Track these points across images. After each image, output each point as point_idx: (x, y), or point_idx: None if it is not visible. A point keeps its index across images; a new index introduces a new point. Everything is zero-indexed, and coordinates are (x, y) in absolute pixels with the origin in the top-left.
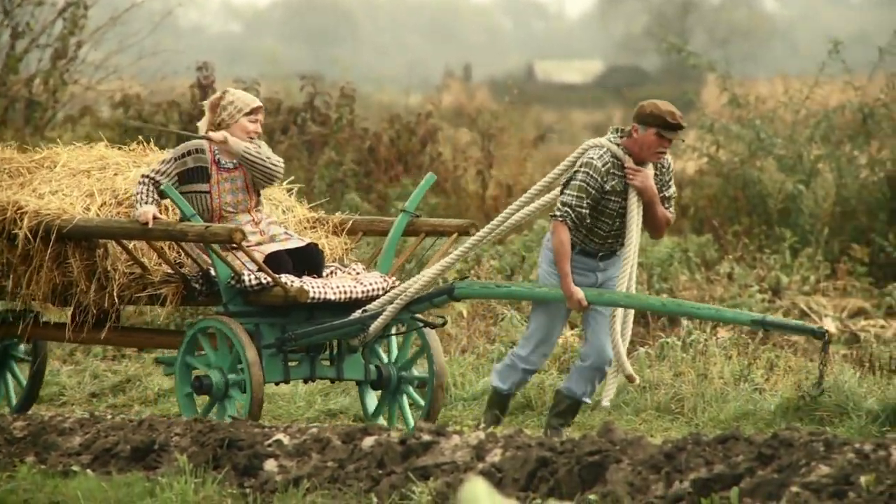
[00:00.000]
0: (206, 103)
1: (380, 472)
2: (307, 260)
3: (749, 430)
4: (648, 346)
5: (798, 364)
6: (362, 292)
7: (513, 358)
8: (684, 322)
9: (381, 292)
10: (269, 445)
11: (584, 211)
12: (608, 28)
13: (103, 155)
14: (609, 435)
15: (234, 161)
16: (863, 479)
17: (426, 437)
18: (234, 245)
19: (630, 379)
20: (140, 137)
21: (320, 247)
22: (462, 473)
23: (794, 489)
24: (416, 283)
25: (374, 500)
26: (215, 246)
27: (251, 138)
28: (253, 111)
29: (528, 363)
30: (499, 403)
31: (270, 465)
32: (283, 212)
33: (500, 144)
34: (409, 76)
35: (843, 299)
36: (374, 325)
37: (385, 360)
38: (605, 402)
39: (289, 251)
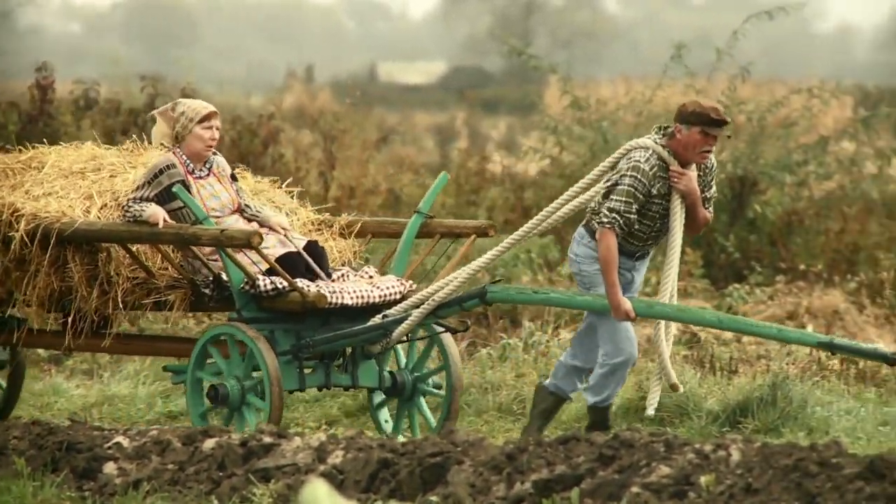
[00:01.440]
0: (157, 114)
1: (220, 474)
2: (312, 257)
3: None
4: (490, 347)
5: (639, 365)
6: (380, 297)
7: (608, 363)
8: (525, 323)
9: (398, 296)
10: (109, 448)
11: (632, 217)
12: (451, 29)
13: (95, 155)
14: (450, 436)
15: (206, 167)
16: (703, 480)
17: (267, 440)
18: (253, 248)
19: (674, 388)
20: (134, 136)
21: (321, 245)
22: (303, 475)
23: (635, 489)
24: (446, 287)
25: (215, 502)
26: (228, 249)
27: (209, 146)
28: (205, 118)
29: (624, 354)
30: (600, 421)
31: (110, 467)
32: (287, 214)
33: (342, 146)
34: (251, 77)
35: (683, 300)
36: (399, 331)
37: (397, 365)
38: (650, 411)
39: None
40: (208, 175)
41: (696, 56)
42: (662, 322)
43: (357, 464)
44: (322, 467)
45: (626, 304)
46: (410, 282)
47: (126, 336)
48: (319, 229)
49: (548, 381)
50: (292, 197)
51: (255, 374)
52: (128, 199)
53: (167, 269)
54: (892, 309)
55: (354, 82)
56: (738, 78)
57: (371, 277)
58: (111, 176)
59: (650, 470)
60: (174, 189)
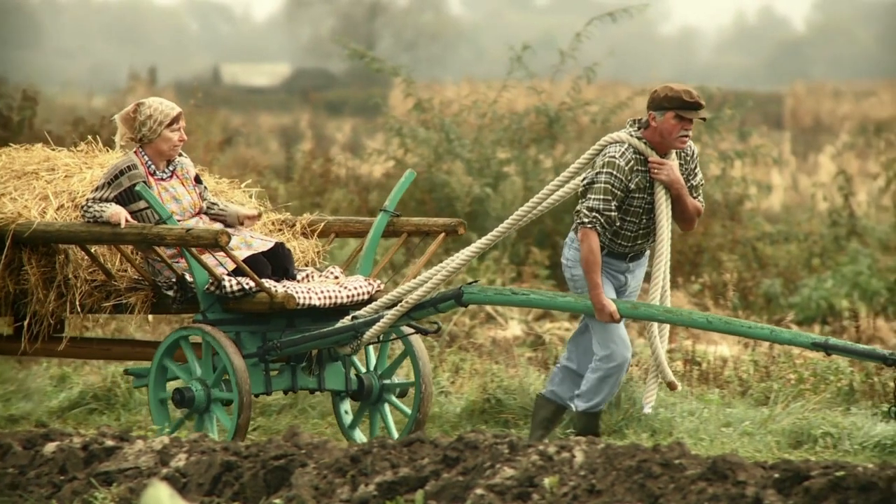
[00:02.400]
0: (118, 117)
1: (62, 477)
2: (275, 261)
3: (434, 433)
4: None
5: (483, 367)
6: (348, 297)
7: (601, 367)
8: None
9: (366, 297)
10: None
11: (612, 214)
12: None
13: (48, 156)
14: (294, 439)
15: (169, 168)
16: (546, 481)
17: (109, 443)
18: (220, 248)
19: (672, 386)
20: (89, 137)
21: (287, 247)
22: (145, 479)
23: (479, 491)
24: (420, 287)
25: None
26: (192, 249)
27: (177, 147)
28: (173, 120)
29: (618, 358)
30: (591, 427)
31: None
32: None
33: (186, 147)
34: (95, 78)
35: None
36: (370, 332)
37: (364, 368)
38: (647, 409)
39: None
40: (171, 177)
41: (540, 58)
42: (655, 323)
43: (200, 467)
44: (165, 470)
45: (611, 305)
46: (378, 282)
47: (82, 340)
48: (280, 229)
49: (545, 388)
50: (251, 196)
51: (224, 377)
52: (87, 200)
53: (126, 271)
54: (735, 310)
55: (198, 84)
56: (583, 79)
57: (337, 278)
58: (66, 176)
59: (494, 472)
60: (137, 188)
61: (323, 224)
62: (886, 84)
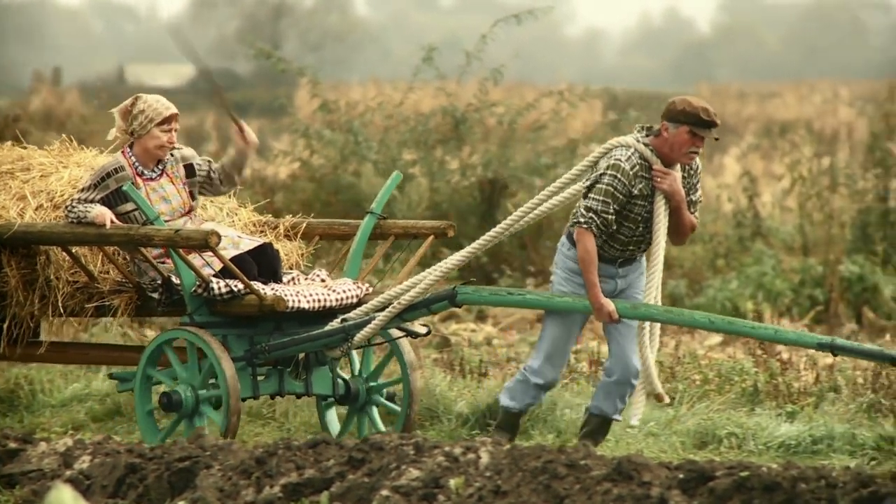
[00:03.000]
0: (116, 110)
1: None
2: (262, 262)
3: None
4: None
5: (390, 368)
6: (336, 300)
7: (524, 373)
8: None
9: (355, 300)
10: None
11: (610, 217)
12: (200, 32)
13: (22, 155)
14: (199, 441)
15: (158, 168)
16: (452, 482)
17: (12, 445)
18: (210, 249)
19: (659, 398)
20: (63, 136)
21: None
22: (49, 481)
23: (385, 493)
24: (413, 289)
25: None
26: (180, 251)
27: (164, 148)
28: (165, 120)
29: (541, 377)
30: (509, 424)
31: None
32: (227, 214)
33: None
34: None
35: None
36: (361, 335)
37: (348, 375)
38: (634, 421)
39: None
40: (160, 176)
41: (446, 59)
42: (647, 329)
43: (104, 469)
44: (69, 472)
45: (609, 305)
46: (367, 284)
47: (60, 344)
48: (262, 231)
49: (591, 402)
50: (230, 197)
51: (212, 381)
52: (71, 200)
53: (109, 272)
54: None
55: (102, 84)
56: (490, 81)
57: (323, 281)
58: (42, 176)
59: (400, 473)
60: (125, 188)
61: (305, 226)
62: (791, 86)
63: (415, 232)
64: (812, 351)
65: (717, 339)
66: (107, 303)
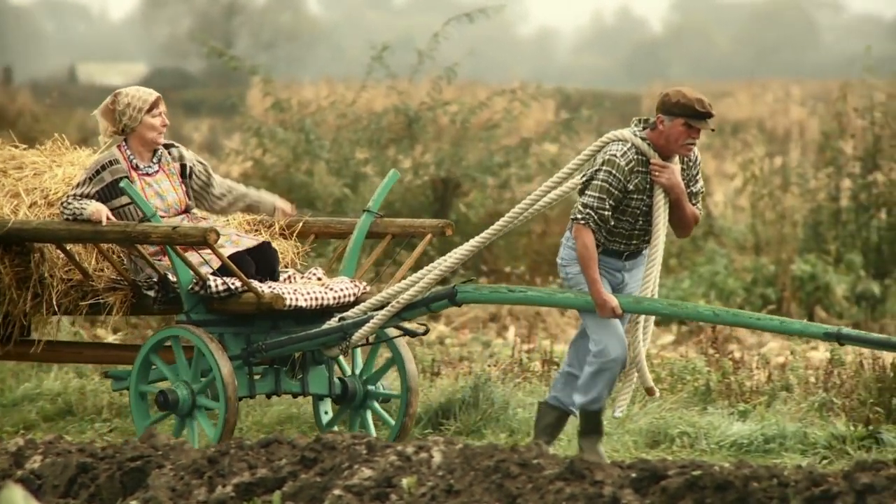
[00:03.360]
0: (98, 112)
1: None
2: (261, 261)
3: (293, 434)
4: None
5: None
6: (334, 299)
7: (594, 360)
8: None
9: (352, 298)
10: None
11: (606, 213)
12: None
13: (14, 154)
14: (151, 440)
15: (154, 162)
16: (405, 482)
17: None
18: (208, 246)
19: (650, 392)
20: (56, 135)
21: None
22: (0, 481)
23: (337, 492)
24: (412, 287)
25: None
26: (177, 248)
27: (161, 132)
28: (152, 105)
29: (610, 353)
30: (593, 425)
31: None
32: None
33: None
34: None
35: None
36: (359, 334)
37: (348, 372)
38: (618, 413)
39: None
40: (156, 172)
41: (399, 58)
42: (641, 322)
43: (55, 468)
44: (19, 472)
45: (612, 300)
46: (364, 283)
47: (53, 343)
48: (257, 229)
49: (548, 395)
50: None
51: (205, 379)
52: (66, 196)
53: (103, 270)
54: None
55: (54, 83)
56: (444, 80)
57: (320, 279)
58: (35, 174)
59: (352, 472)
60: (121, 184)
61: (302, 224)
62: (743, 85)
63: (412, 231)
64: (765, 350)
65: (669, 337)
66: (101, 301)
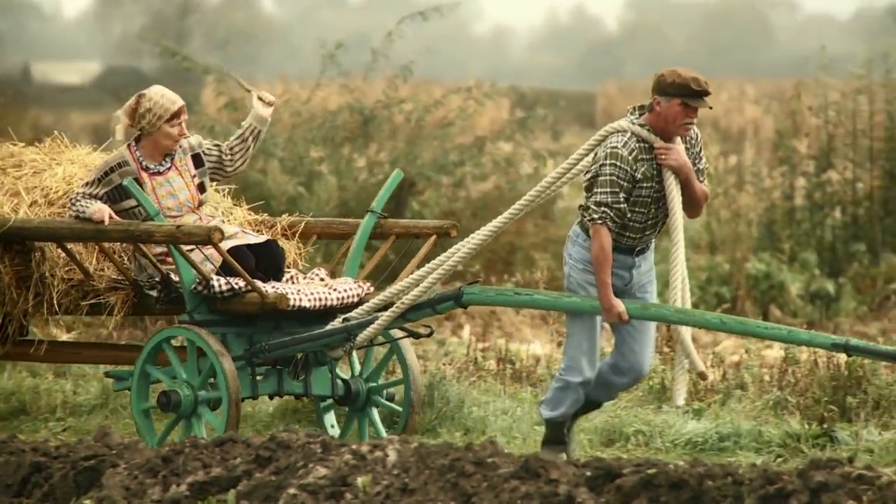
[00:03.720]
0: (122, 111)
1: None
2: (266, 258)
3: (247, 433)
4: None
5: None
6: (337, 299)
7: (562, 377)
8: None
9: (356, 299)
10: None
11: (622, 206)
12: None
13: (13, 152)
14: (105, 439)
15: (166, 161)
16: (359, 480)
17: None
18: (212, 245)
19: (703, 376)
20: (56, 132)
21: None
22: None
23: (292, 491)
24: (417, 287)
25: None
26: (181, 247)
27: (177, 142)
28: (174, 115)
29: (579, 374)
30: (557, 436)
31: None
32: (223, 213)
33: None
34: None
35: None
36: (364, 334)
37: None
38: (680, 401)
39: (249, 248)
40: (168, 170)
41: (354, 56)
42: (679, 305)
43: (8, 468)
44: None
45: (619, 305)
46: (368, 284)
47: (55, 343)
48: (258, 230)
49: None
50: (225, 196)
51: (211, 380)
52: (74, 194)
53: (104, 269)
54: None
55: (7, 82)
56: (399, 78)
57: (322, 280)
58: (35, 173)
59: (307, 471)
60: (125, 183)
61: (304, 225)
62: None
63: (416, 232)
64: (719, 348)
65: None
66: (102, 300)
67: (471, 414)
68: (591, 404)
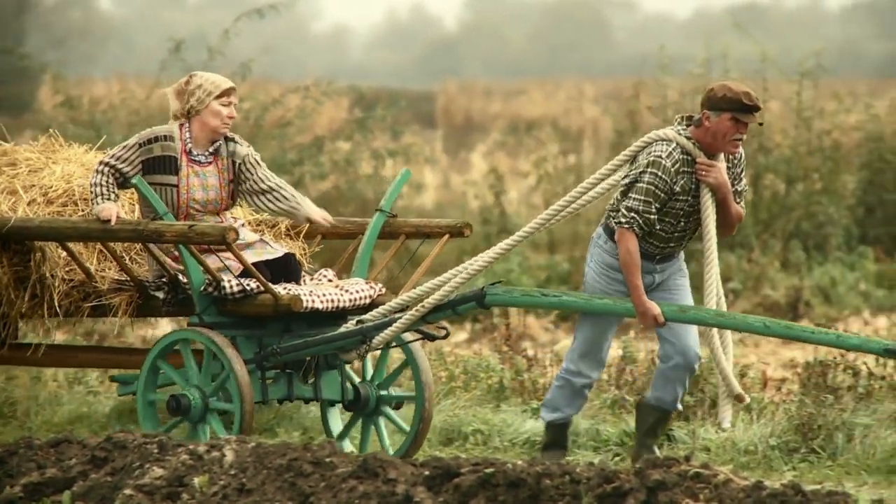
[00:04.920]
0: (170, 91)
1: None
2: (282, 271)
3: (84, 433)
4: None
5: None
6: (350, 301)
7: (564, 377)
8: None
9: (368, 301)
10: None
11: (652, 217)
12: None
13: (6, 150)
14: None
15: (209, 153)
16: (196, 481)
17: None
18: (226, 246)
19: (740, 399)
20: (51, 130)
21: (298, 257)
22: None
23: (128, 491)
24: (440, 289)
25: None
26: (192, 247)
27: (226, 124)
28: (224, 93)
29: (582, 376)
30: (558, 439)
31: None
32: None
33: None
34: None
35: None
36: (381, 337)
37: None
38: (726, 424)
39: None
40: (209, 164)
41: (192, 54)
42: (716, 332)
43: None
44: None
45: (654, 308)
46: (380, 285)
47: (55, 347)
48: (259, 229)
49: (648, 394)
50: None
51: (215, 383)
52: (108, 156)
53: (109, 269)
54: None
55: None
56: (238, 76)
57: (330, 281)
58: (30, 171)
59: (143, 472)
60: (134, 181)
61: (307, 225)
62: (536, 83)
63: (428, 231)
64: (557, 348)
65: (463, 335)
66: (105, 302)
67: (309, 414)
68: (660, 413)
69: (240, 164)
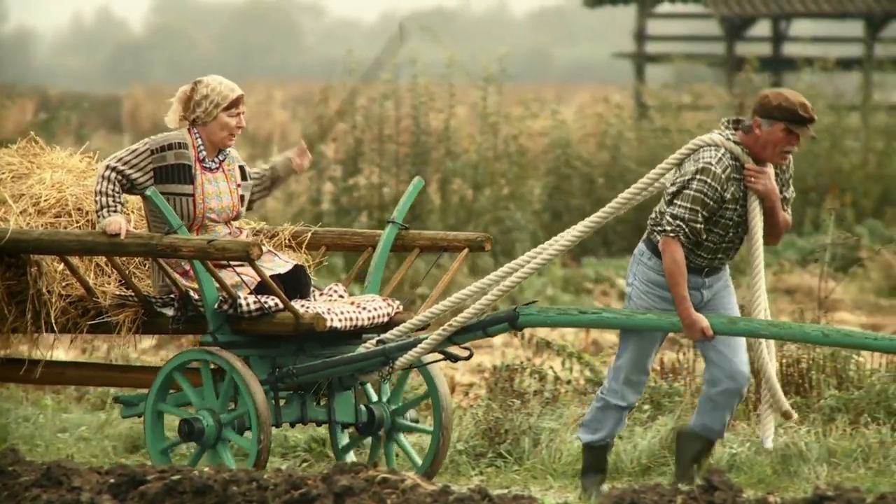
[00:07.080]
0: (176, 98)
1: None
2: (293, 285)
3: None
4: None
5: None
6: (368, 319)
7: (603, 397)
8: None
9: (386, 318)
10: None
11: (699, 226)
12: None
13: None
14: None
15: (218, 159)
16: None
17: None
18: (249, 263)
19: (787, 416)
20: (31, 134)
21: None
22: None
23: None
24: (473, 307)
25: None
26: (209, 263)
27: (233, 135)
28: (233, 104)
29: (622, 398)
30: (597, 460)
31: None
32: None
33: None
34: None
35: None
36: (405, 358)
37: (375, 399)
38: (768, 444)
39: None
40: (217, 170)
41: None
42: (763, 341)
43: None
44: None
45: (703, 320)
46: (398, 302)
47: (57, 364)
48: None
49: (692, 421)
50: None
51: (230, 407)
52: (115, 161)
53: (104, 285)
54: None
55: None
56: None
57: (341, 297)
58: (14, 178)
59: None
60: (148, 193)
61: (311, 235)
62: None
63: (445, 244)
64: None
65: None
66: (107, 318)
67: None
68: (705, 442)
69: (241, 167)
